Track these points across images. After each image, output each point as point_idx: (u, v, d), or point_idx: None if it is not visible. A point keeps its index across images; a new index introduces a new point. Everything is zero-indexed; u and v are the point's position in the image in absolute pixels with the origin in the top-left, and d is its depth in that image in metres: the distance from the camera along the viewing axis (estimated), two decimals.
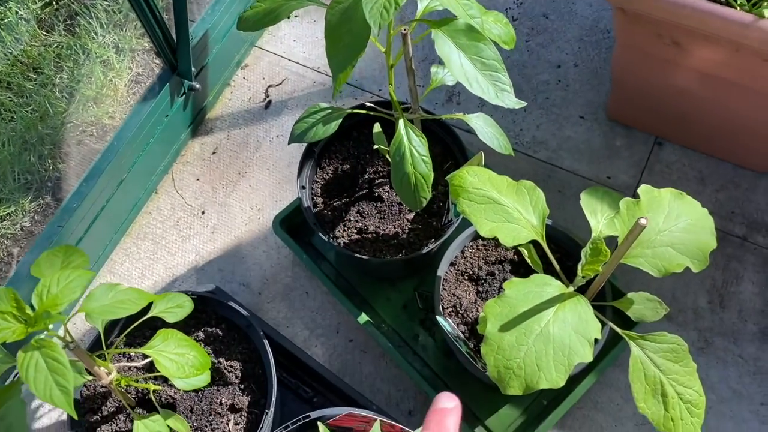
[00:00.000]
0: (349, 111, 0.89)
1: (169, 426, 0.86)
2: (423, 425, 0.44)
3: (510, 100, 0.71)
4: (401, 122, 0.81)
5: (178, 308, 0.82)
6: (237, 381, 0.96)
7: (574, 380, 1.05)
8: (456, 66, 0.70)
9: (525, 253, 0.96)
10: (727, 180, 1.26)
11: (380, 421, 0.83)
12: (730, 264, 1.19)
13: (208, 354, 0.98)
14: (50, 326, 0.68)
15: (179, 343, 0.76)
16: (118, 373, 0.82)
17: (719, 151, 1.26)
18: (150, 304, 0.84)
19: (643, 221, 0.70)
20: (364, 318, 1.11)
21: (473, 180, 0.86)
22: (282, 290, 1.21)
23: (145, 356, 0.83)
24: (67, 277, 0.64)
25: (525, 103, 0.75)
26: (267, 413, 0.91)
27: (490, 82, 0.71)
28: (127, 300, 0.68)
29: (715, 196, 1.25)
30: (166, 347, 0.75)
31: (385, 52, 0.82)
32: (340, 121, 0.87)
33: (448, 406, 0.45)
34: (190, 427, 0.94)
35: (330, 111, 0.88)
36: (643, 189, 0.85)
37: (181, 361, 0.75)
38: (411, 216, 1.06)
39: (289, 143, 0.89)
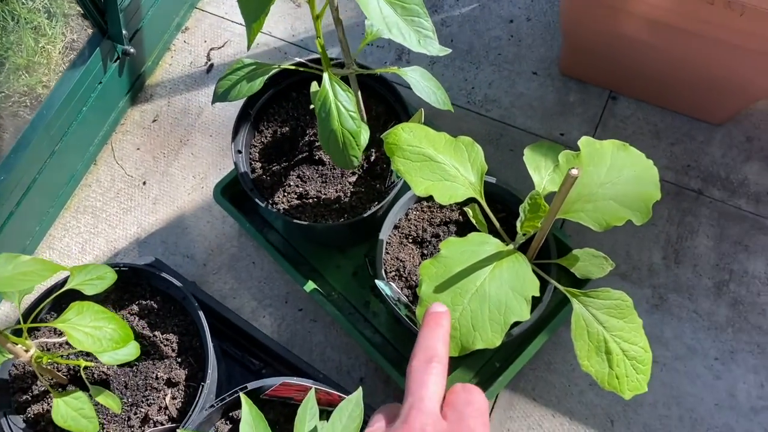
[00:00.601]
0: (276, 67, 0.84)
1: (99, 402, 0.82)
2: (423, 324, 0.53)
3: (433, 47, 0.67)
4: (325, 76, 0.76)
5: (99, 280, 0.78)
6: (174, 354, 0.93)
7: (524, 340, 1.03)
8: (374, 10, 0.65)
9: (470, 213, 0.92)
10: (682, 133, 1.23)
11: (315, 389, 0.80)
12: (685, 219, 1.17)
13: (143, 328, 0.94)
14: None
15: (96, 316, 0.72)
16: (40, 349, 0.78)
17: (674, 104, 1.23)
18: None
19: (574, 172, 0.66)
20: (310, 286, 1.07)
21: (408, 137, 0.82)
22: (228, 261, 1.17)
23: None
24: None
25: (449, 50, 0.70)
26: (203, 386, 0.88)
27: (412, 28, 0.66)
28: (31, 272, 0.64)
29: (670, 149, 1.22)
30: (81, 320, 0.71)
31: (309, 2, 0.77)
32: (266, 78, 0.82)
33: (441, 309, 0.55)
34: (126, 402, 0.90)
35: (254, 67, 0.83)
36: (584, 141, 0.81)
37: (98, 334, 0.71)
38: (353, 179, 1.02)
39: (212, 103, 0.84)
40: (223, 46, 1.34)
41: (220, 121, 1.27)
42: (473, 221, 0.92)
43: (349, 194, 1.00)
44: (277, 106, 1.06)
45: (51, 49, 1.30)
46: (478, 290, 0.75)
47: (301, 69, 0.86)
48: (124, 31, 1.17)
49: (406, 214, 1.00)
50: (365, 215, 0.97)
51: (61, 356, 0.84)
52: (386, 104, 1.06)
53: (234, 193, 1.14)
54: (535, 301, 0.90)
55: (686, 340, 1.09)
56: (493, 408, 1.07)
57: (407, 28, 0.66)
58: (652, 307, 1.11)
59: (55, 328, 0.95)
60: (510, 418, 1.06)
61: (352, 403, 0.72)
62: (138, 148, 1.27)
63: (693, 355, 1.08)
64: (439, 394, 0.48)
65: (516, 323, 0.75)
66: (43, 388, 0.91)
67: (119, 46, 1.18)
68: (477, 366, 1.08)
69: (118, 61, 1.20)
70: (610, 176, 0.81)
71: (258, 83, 0.82)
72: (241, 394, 0.65)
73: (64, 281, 0.92)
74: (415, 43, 0.66)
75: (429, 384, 0.47)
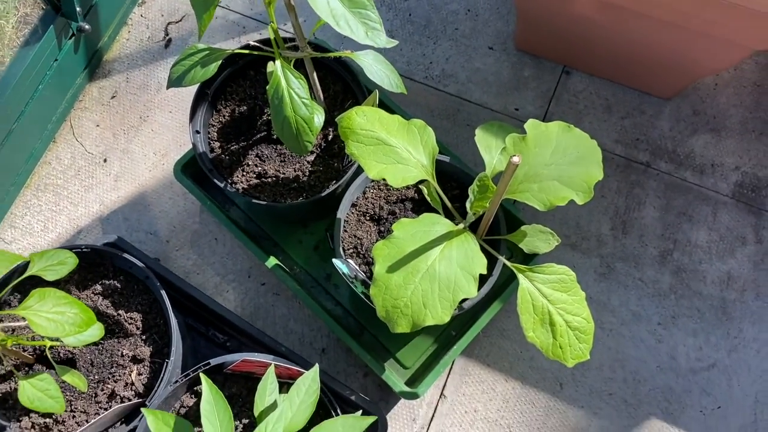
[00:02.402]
0: (230, 52, 0.85)
1: (66, 381, 0.85)
2: None
3: (380, 39, 0.68)
4: (278, 63, 0.78)
5: (60, 265, 0.80)
6: (138, 332, 0.96)
7: (479, 309, 1.07)
8: (321, 3, 0.66)
9: (425, 191, 0.96)
10: (633, 107, 1.27)
11: (275, 365, 0.84)
12: (633, 191, 1.22)
13: (107, 307, 0.96)
14: None
15: (58, 302, 0.74)
16: (4, 332, 0.80)
17: (626, 79, 1.26)
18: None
19: (515, 159, 0.70)
20: (272, 261, 1.10)
21: (362, 121, 0.85)
22: (190, 237, 1.19)
23: None
24: None
25: (396, 42, 0.72)
26: (167, 363, 0.91)
27: (359, 21, 0.68)
28: None
29: (620, 123, 1.26)
30: (43, 306, 0.73)
31: None
32: (220, 62, 0.83)
33: None
34: (92, 379, 0.93)
35: (208, 52, 0.84)
36: (530, 124, 0.85)
37: (60, 319, 0.73)
38: (312, 158, 1.04)
39: (167, 88, 0.85)
40: (180, 21, 1.33)
41: (180, 96, 1.28)
42: (428, 199, 0.95)
43: (307, 173, 1.03)
44: (235, 85, 1.07)
45: (4, 24, 1.27)
46: (429, 269, 0.79)
47: (255, 53, 0.88)
48: (78, 8, 1.15)
49: (364, 193, 1.03)
50: (323, 194, 1.00)
51: (27, 338, 0.87)
52: (343, 83, 1.07)
53: (195, 170, 1.15)
54: (487, 275, 0.94)
55: (631, 307, 1.16)
56: (449, 374, 1.13)
57: (354, 20, 0.68)
58: (599, 276, 1.17)
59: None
60: (465, 383, 1.12)
61: (309, 378, 0.76)
62: (97, 125, 1.27)
63: (637, 321, 1.15)
64: None
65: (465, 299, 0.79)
66: (9, 368, 0.93)
67: (74, 23, 1.17)
68: (434, 335, 1.12)
69: (74, 37, 1.19)
70: (555, 157, 0.85)
71: (212, 68, 0.83)
72: (201, 373, 0.68)
73: (25, 266, 0.93)
74: (362, 35, 0.68)
75: None
